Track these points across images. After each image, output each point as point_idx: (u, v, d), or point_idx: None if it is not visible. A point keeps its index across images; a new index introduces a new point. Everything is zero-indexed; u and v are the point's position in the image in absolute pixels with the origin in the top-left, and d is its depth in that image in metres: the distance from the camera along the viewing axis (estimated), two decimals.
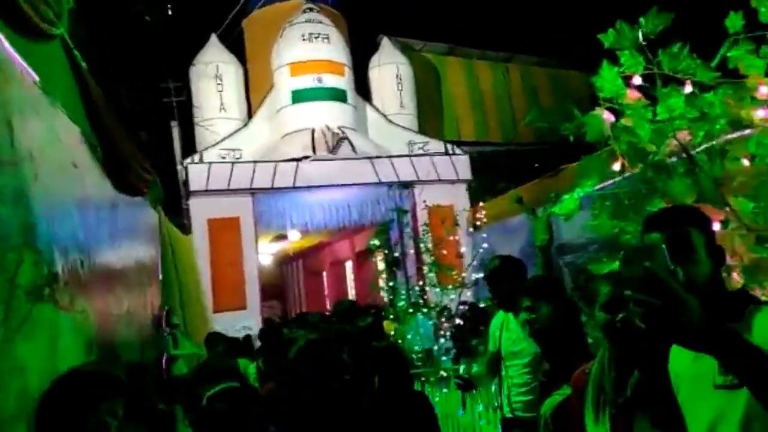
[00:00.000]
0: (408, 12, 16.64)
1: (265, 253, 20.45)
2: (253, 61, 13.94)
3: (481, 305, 7.40)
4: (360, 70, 14.41)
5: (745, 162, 2.82)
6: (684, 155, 2.88)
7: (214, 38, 13.38)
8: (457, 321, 6.68)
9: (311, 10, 13.15)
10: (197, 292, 10.19)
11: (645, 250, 1.54)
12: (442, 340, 6.66)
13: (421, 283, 7.87)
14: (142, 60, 7.72)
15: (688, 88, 2.91)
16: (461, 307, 6.87)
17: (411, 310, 6.77)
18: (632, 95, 3.16)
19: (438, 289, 7.10)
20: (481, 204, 9.24)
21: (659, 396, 1.75)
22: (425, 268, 8.12)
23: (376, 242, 7.14)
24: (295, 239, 17.54)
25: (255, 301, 11.63)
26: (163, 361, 6.08)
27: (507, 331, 3.09)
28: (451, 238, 9.82)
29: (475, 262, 8.35)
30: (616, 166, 3.22)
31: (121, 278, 4.45)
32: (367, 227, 13.25)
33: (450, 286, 7.66)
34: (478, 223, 10.80)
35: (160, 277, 6.33)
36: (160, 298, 6.01)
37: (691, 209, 1.77)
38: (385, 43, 14.80)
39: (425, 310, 6.77)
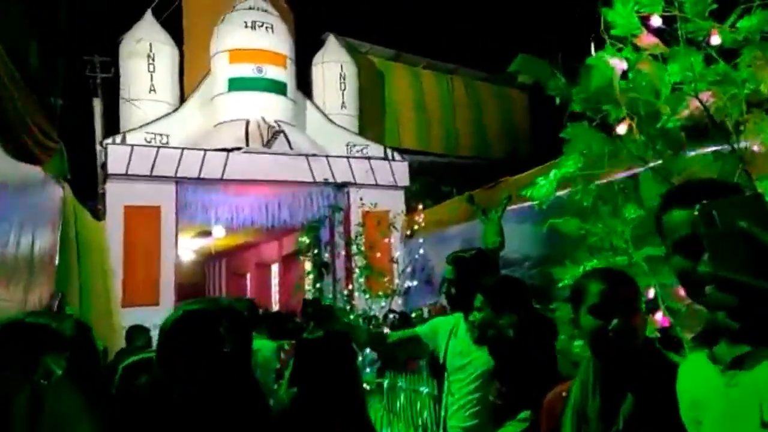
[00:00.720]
0: (356, 13, 16.24)
1: (186, 248, 19.46)
2: (190, 44, 13.13)
3: (412, 315, 7.00)
4: (303, 66, 13.87)
5: None
6: (707, 120, 2.44)
7: (149, 14, 12.51)
8: (385, 330, 6.23)
9: None
10: (104, 282, 9.29)
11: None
12: (366, 351, 6.21)
13: (350, 287, 7.39)
14: (65, 24, 6.93)
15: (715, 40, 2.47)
16: (390, 315, 6.43)
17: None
18: (648, 40, 2.66)
19: (367, 296, 6.63)
20: (420, 207, 8.89)
21: (662, 429, 1.35)
22: (356, 272, 7.63)
23: (305, 239, 6.57)
24: (219, 236, 16.69)
25: (169, 298, 10.78)
26: None
27: (455, 339, 2.64)
28: (386, 241, 9.43)
29: (408, 269, 7.98)
30: (621, 129, 2.70)
31: None
32: (296, 229, 12.66)
33: (380, 293, 7.21)
34: (415, 228, 10.46)
35: (57, 261, 5.57)
36: (54, 285, 5.27)
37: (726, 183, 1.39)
38: (331, 40, 14.34)
39: (351, 317, 6.29)
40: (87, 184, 11.62)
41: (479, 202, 9.53)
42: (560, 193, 7.96)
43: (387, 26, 16.58)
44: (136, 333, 6.29)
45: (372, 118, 15.41)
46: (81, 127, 11.93)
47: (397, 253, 7.44)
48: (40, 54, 5.40)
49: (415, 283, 7.87)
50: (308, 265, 8.10)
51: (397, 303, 8.94)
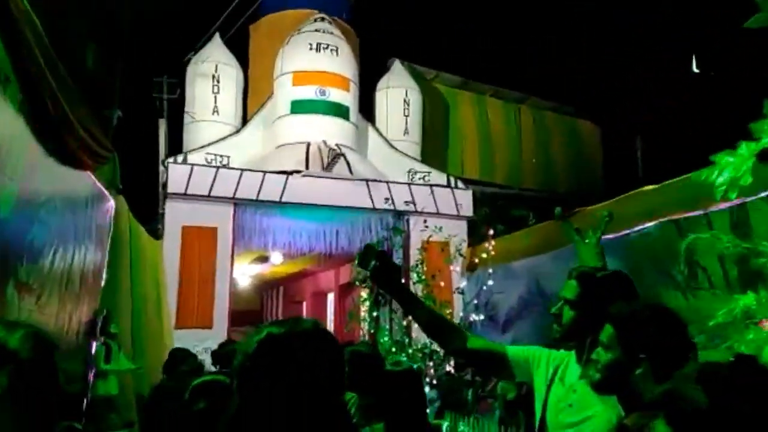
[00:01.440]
0: (423, 39, 15.99)
1: (244, 274, 19.39)
2: (256, 67, 13.14)
3: None
4: (366, 91, 13.65)
5: None
6: None
7: (217, 37, 12.61)
8: (447, 368, 5.62)
9: (323, 20, 12.42)
10: (158, 302, 9.10)
11: None
12: (426, 389, 5.60)
13: (409, 318, 6.82)
14: (126, 34, 6.85)
15: None
16: None
17: (394, 350, 5.68)
18: None
19: None
20: (491, 232, 8.27)
21: None
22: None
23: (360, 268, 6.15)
24: (277, 262, 16.52)
25: (222, 322, 10.50)
26: (90, 376, 5.01)
27: (560, 384, 2.00)
28: (448, 271, 8.86)
29: (475, 301, 7.36)
30: None
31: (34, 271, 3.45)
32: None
33: None
34: (476, 260, 9.83)
35: (104, 277, 5.30)
36: (98, 303, 4.98)
37: None
38: (397, 66, 14.08)
39: (410, 350, 5.70)
40: (150, 204, 11.62)
41: (551, 235, 8.82)
42: (643, 227, 7.14)
43: (454, 53, 16.23)
44: (181, 356, 5.72)
45: (435, 146, 14.99)
46: (147, 147, 12.02)
47: (463, 283, 6.81)
48: (97, 61, 5.24)
49: (481, 317, 7.21)
50: (364, 293, 7.61)
51: None
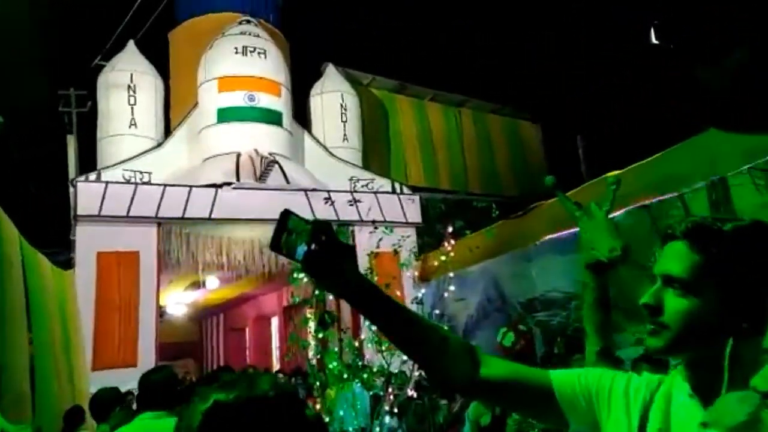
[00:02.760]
0: (356, 43, 15.27)
1: (179, 303, 18.01)
2: (177, 76, 12.05)
3: None
4: (300, 99, 12.79)
5: None
6: None
7: (131, 44, 11.46)
8: (410, 392, 4.76)
9: (248, 22, 11.51)
10: (66, 341, 7.83)
11: None
12: (387, 419, 4.70)
13: (362, 337, 5.91)
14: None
15: None
16: (417, 373, 4.97)
17: (345, 375, 4.78)
18: None
19: (383, 347, 5.14)
20: (451, 243, 7.47)
21: None
22: (365, 323, 6.12)
23: (301, 276, 5.02)
24: (213, 287, 15.31)
25: (149, 357, 9.28)
26: None
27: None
28: (404, 278, 8.04)
29: (436, 311, 6.55)
30: None
31: None
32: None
33: (386, 347, 5.71)
34: (431, 268, 9.04)
35: None
36: None
37: None
38: (330, 70, 13.29)
39: (364, 375, 4.80)
40: (61, 232, 10.32)
41: (510, 234, 8.07)
42: (615, 214, 6.49)
43: (390, 56, 15.59)
44: (107, 400, 4.57)
45: (376, 153, 14.25)
46: (54, 168, 10.74)
47: (422, 292, 5.98)
48: None
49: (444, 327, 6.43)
50: (309, 313, 6.65)
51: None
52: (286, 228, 1.16)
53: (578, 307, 6.98)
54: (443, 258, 6.26)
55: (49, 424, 6.13)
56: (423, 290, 5.37)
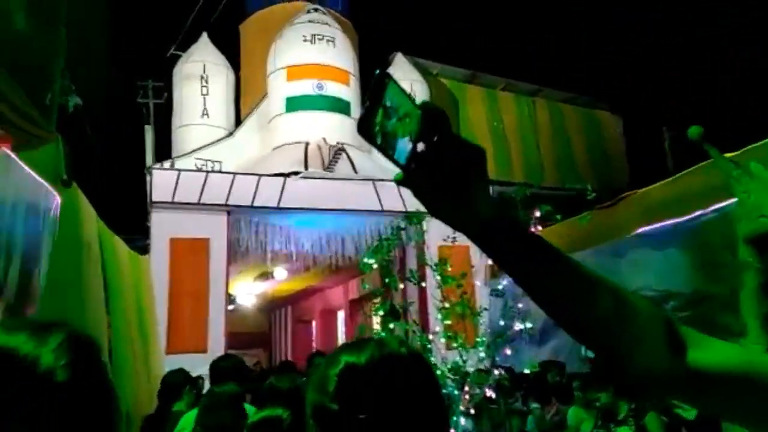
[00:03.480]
0: (425, 32, 14.97)
1: (249, 293, 18.31)
2: (247, 67, 12.16)
3: (526, 371, 5.19)
4: (367, 90, 12.61)
5: None
6: None
7: (204, 37, 11.63)
8: (488, 392, 4.43)
9: (316, 10, 11.43)
10: (142, 325, 7.96)
11: None
12: (462, 420, 4.37)
13: (434, 332, 5.59)
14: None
15: None
16: (495, 371, 4.62)
17: None
18: None
19: (456, 344, 4.81)
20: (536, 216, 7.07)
21: None
22: (438, 315, 5.72)
23: (371, 261, 4.77)
24: (281, 279, 15.42)
25: (218, 344, 9.35)
26: None
27: None
28: (477, 282, 7.65)
29: (519, 305, 6.15)
30: None
31: None
32: (363, 272, 11.06)
33: (478, 339, 5.31)
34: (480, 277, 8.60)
35: (40, 293, 4.15)
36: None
37: None
38: (399, 59, 13.04)
39: (437, 372, 4.53)
40: (138, 218, 10.58)
41: (598, 226, 7.53)
42: (721, 205, 5.86)
43: (459, 45, 15.20)
44: (176, 382, 4.59)
45: None
46: (133, 156, 11.02)
47: (503, 282, 5.52)
48: (32, 27, 4.21)
49: (528, 325, 5.87)
50: (376, 304, 6.37)
51: (479, 357, 6.89)
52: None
53: (676, 308, 6.43)
54: None
55: (125, 406, 6.20)
56: (504, 281, 5.02)
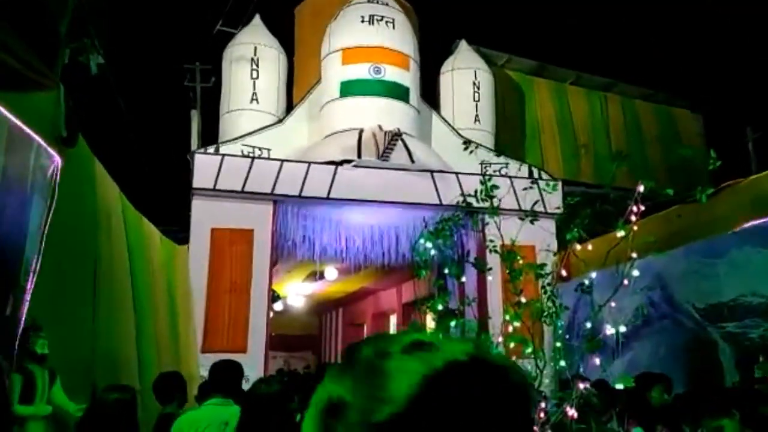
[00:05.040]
0: (491, 20, 13.99)
1: (298, 294, 17.71)
2: (302, 52, 11.50)
3: (618, 386, 4.22)
4: (429, 81, 11.74)
5: None
6: None
7: (257, 18, 11.04)
8: (569, 411, 3.51)
9: None
10: (174, 321, 7.33)
11: None
12: None
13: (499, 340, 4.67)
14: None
15: None
16: (582, 386, 3.69)
17: None
18: None
19: (530, 354, 3.94)
20: (578, 247, 5.91)
21: None
22: (504, 317, 4.83)
23: (426, 245, 3.93)
24: (332, 279, 14.69)
25: (259, 345, 8.65)
26: None
27: None
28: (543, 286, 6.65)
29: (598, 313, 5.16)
30: None
31: None
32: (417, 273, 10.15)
33: (540, 351, 4.37)
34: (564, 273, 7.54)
35: (34, 268, 3.47)
36: (11, 304, 3.17)
37: None
38: (463, 46, 12.14)
39: None
40: (182, 209, 10.02)
41: (680, 223, 6.39)
42: None
43: (527, 34, 14.13)
44: (169, 384, 4.12)
45: (510, 140, 12.85)
46: (178, 143, 10.51)
47: (590, 277, 4.59)
48: None
49: (618, 330, 4.89)
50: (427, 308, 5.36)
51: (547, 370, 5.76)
52: None
53: None
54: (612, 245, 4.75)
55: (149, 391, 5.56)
56: (593, 274, 4.08)
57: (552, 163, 13.56)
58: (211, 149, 9.20)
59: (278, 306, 17.63)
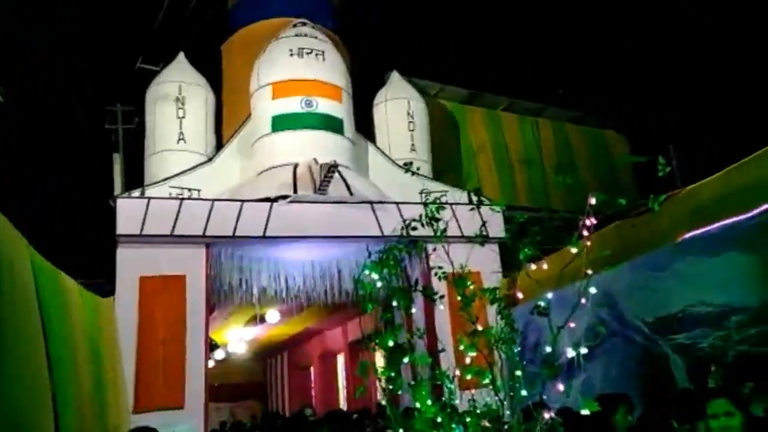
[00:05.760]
0: (421, 51, 14.09)
1: (241, 340, 16.99)
2: (230, 90, 11.14)
3: (584, 412, 4.00)
4: (361, 113, 11.59)
5: None
6: None
7: (181, 56, 10.64)
8: None
9: (304, 24, 10.49)
10: (100, 380, 6.67)
11: None
12: None
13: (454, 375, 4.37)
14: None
15: None
16: (547, 416, 3.42)
17: (440, 419, 3.27)
18: None
19: (487, 383, 3.67)
20: (533, 266, 5.73)
21: None
22: (459, 347, 4.58)
23: (370, 277, 3.69)
24: (274, 322, 14.14)
25: (197, 397, 8.02)
26: None
27: None
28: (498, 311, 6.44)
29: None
30: None
31: None
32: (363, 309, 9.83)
33: (491, 380, 4.12)
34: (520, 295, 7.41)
35: None
36: None
37: None
38: (395, 77, 12.10)
39: (467, 419, 3.30)
40: (107, 260, 9.34)
41: (627, 237, 6.38)
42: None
43: (458, 64, 14.30)
44: None
45: (447, 169, 12.82)
46: (101, 190, 9.87)
47: (545, 299, 4.31)
48: None
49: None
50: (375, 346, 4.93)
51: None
52: None
53: (742, 324, 5.22)
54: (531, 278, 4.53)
55: None
56: (550, 294, 3.85)
57: (489, 190, 13.59)
58: (136, 193, 8.65)
59: (219, 354, 16.82)
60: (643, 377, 6.25)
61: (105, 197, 9.40)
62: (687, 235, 5.65)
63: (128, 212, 8.25)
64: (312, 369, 18.79)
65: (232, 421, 16.93)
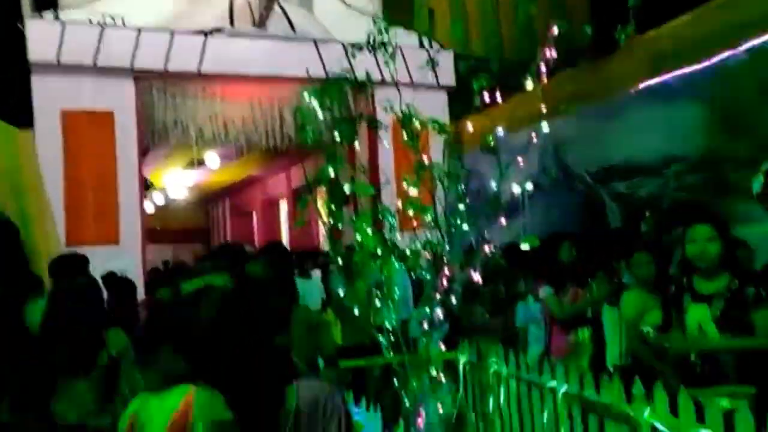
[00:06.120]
0: None
1: (181, 185, 16.62)
2: None
3: (523, 246, 4.04)
4: None
5: None
6: None
7: None
8: (475, 276, 3.27)
9: None
10: (24, 213, 6.35)
11: None
12: (439, 312, 3.29)
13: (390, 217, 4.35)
14: None
15: None
16: (487, 248, 3.42)
17: (379, 251, 3.28)
18: None
19: (430, 220, 3.63)
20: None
21: None
22: (396, 186, 4.57)
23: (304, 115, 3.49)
24: (214, 165, 13.75)
25: (133, 235, 7.85)
26: None
27: None
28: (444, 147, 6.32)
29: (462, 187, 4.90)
30: None
31: None
32: (307, 153, 9.57)
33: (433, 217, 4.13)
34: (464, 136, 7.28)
35: None
36: None
37: None
38: None
39: (407, 251, 3.30)
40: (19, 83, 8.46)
41: (572, 86, 6.18)
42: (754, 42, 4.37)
43: None
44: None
45: (398, 13, 12.07)
46: (7, 10, 8.73)
47: (496, 135, 4.22)
48: None
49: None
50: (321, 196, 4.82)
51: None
52: None
53: (679, 172, 5.27)
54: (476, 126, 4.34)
55: None
56: (499, 130, 3.67)
57: (441, 36, 13.00)
58: (48, 15, 7.72)
59: (159, 199, 16.51)
60: (580, 223, 6.41)
61: (13, 19, 8.39)
62: (643, 84, 5.50)
63: (41, 37, 7.41)
64: (255, 215, 18.84)
65: (174, 261, 17.10)
